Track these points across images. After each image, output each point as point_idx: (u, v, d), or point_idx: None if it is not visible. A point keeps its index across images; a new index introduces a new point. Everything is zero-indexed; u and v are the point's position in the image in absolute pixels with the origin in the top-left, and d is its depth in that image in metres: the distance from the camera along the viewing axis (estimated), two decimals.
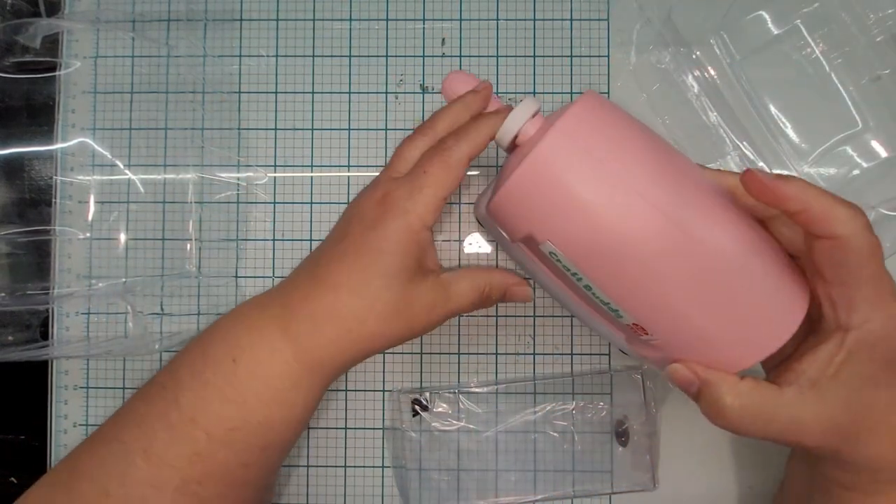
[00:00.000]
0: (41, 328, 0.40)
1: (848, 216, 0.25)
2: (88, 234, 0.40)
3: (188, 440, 0.30)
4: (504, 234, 0.32)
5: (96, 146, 0.40)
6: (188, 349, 0.34)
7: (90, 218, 0.40)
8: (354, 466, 0.40)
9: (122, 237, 0.40)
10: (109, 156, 0.40)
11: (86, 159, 0.40)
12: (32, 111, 0.40)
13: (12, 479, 0.40)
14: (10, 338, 0.38)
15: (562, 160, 0.26)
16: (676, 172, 0.27)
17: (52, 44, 0.40)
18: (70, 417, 0.40)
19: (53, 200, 0.40)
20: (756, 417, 0.27)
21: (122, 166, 0.40)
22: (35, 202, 0.40)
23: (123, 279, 0.40)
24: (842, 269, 0.26)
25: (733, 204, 0.28)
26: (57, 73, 0.40)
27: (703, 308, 0.27)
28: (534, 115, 0.31)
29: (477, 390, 0.40)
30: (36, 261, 0.40)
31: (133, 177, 0.40)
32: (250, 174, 0.41)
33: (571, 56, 0.40)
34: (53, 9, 0.41)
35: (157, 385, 0.33)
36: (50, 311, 0.40)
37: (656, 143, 0.28)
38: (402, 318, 0.32)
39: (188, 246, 0.40)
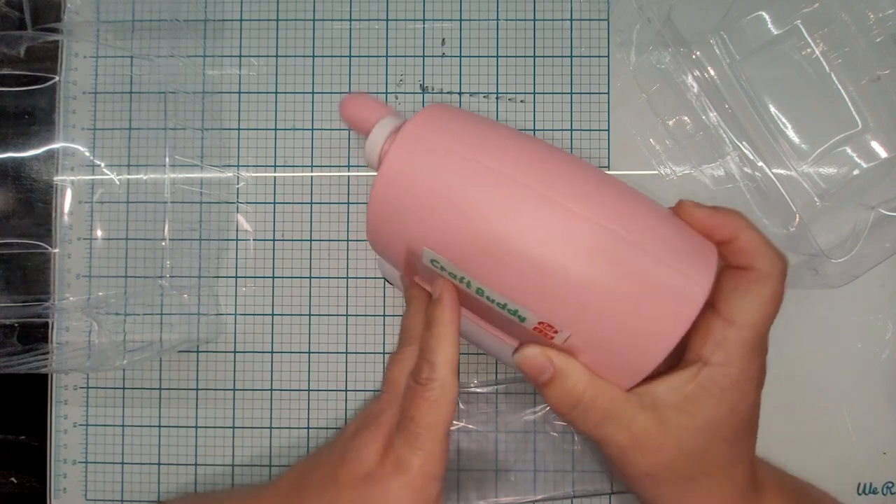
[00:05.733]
0: (19, 337, 0.40)
1: (775, 256, 0.26)
2: (87, 237, 0.40)
3: None
4: (393, 270, 0.31)
5: (94, 149, 0.40)
6: None
7: (86, 221, 0.40)
8: None
9: (98, 235, 0.40)
10: (91, 157, 0.40)
11: (81, 160, 0.40)
12: (25, 117, 0.40)
13: (12, 479, 0.40)
14: None
15: (414, 162, 0.25)
16: (551, 159, 0.26)
17: (52, 48, 0.40)
18: (70, 417, 0.40)
19: (53, 210, 0.40)
20: (600, 411, 0.26)
21: (117, 170, 0.40)
22: (28, 208, 0.40)
23: (124, 279, 0.40)
24: (737, 304, 0.25)
25: (629, 194, 0.27)
26: (55, 80, 0.40)
27: (607, 289, 0.24)
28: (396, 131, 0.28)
29: (477, 390, 0.40)
30: (22, 271, 0.40)
31: (116, 177, 0.40)
32: (248, 174, 0.41)
33: (571, 56, 0.40)
34: (53, 10, 0.41)
35: None
36: (50, 322, 0.40)
37: (519, 135, 0.27)
38: None
39: (169, 246, 0.40)
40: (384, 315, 0.40)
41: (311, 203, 0.40)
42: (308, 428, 0.40)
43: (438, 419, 0.27)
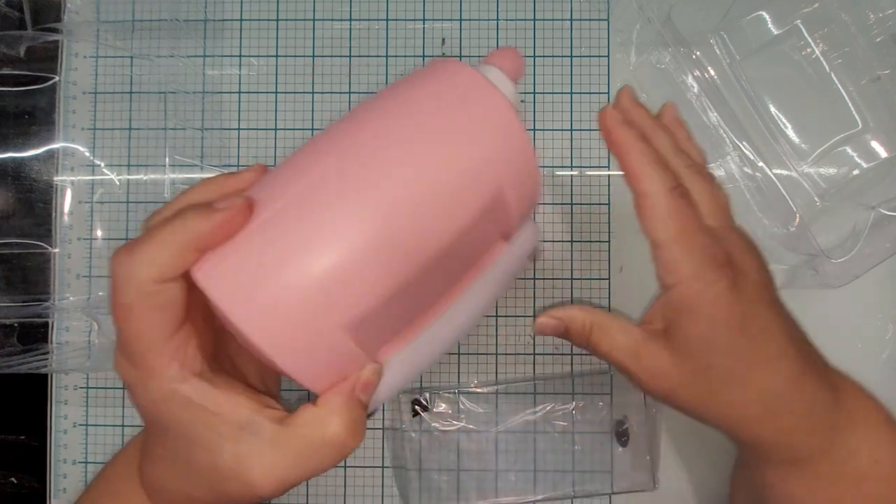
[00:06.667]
0: (19, 337, 0.40)
1: (655, 177, 0.26)
2: (87, 237, 0.40)
3: None
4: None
5: (94, 149, 0.40)
6: (100, 474, 0.32)
7: (86, 221, 0.40)
8: (354, 466, 0.40)
9: (99, 235, 0.40)
10: (91, 157, 0.40)
11: (81, 160, 0.40)
12: (25, 117, 0.40)
13: (12, 479, 0.40)
14: None
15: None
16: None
17: (52, 48, 0.40)
18: (70, 417, 0.40)
19: (53, 210, 0.40)
20: (611, 351, 0.27)
21: (117, 170, 0.40)
22: (28, 208, 0.40)
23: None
24: (652, 230, 0.26)
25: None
26: (55, 80, 0.40)
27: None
28: None
29: (477, 390, 0.40)
30: (22, 271, 0.40)
31: (116, 177, 0.40)
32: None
33: (571, 56, 0.40)
34: (53, 10, 0.41)
35: None
36: (50, 322, 0.40)
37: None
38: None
39: None
40: None
41: None
42: None
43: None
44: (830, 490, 0.27)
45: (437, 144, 0.25)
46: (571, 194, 0.40)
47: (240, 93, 0.41)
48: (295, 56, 0.41)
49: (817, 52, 0.38)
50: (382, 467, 0.40)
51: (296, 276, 0.23)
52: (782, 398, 0.27)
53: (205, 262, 0.23)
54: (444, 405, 0.39)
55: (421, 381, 0.40)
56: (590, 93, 0.40)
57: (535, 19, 0.41)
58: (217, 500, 0.25)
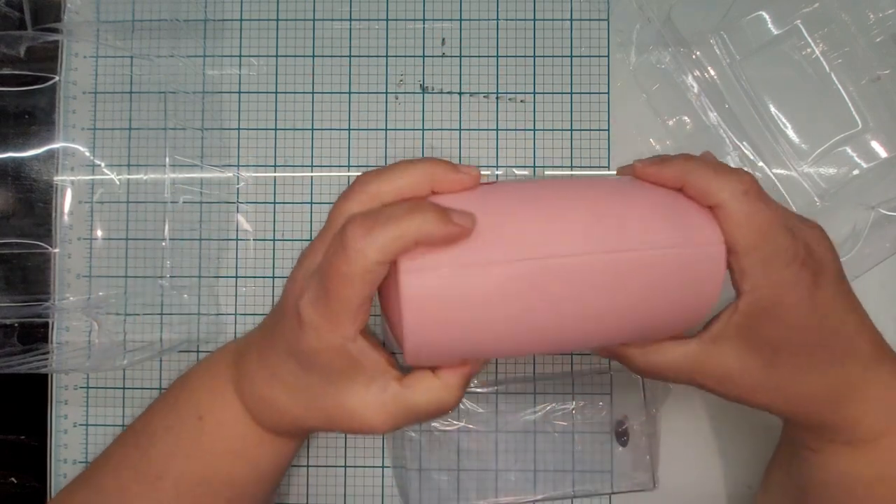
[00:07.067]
0: (19, 337, 0.39)
1: (724, 184, 0.26)
2: (87, 237, 0.40)
3: (156, 492, 0.31)
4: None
5: (94, 149, 0.40)
6: (165, 396, 0.34)
7: (86, 221, 0.40)
8: (354, 466, 0.40)
9: (99, 235, 0.40)
10: (91, 157, 0.40)
11: (81, 160, 0.40)
12: (25, 117, 0.40)
13: (12, 479, 0.40)
14: None
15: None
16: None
17: (52, 48, 0.40)
18: (70, 417, 0.40)
19: (53, 210, 0.40)
20: (667, 368, 0.29)
21: (117, 170, 0.40)
22: (28, 208, 0.40)
23: (124, 279, 0.40)
24: (728, 236, 0.26)
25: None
26: (55, 80, 0.40)
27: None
28: None
29: (477, 390, 0.40)
30: (22, 271, 0.40)
31: (116, 177, 0.40)
32: (251, 174, 0.41)
33: (571, 56, 0.40)
34: (53, 10, 0.41)
35: (134, 432, 0.34)
36: (50, 322, 0.40)
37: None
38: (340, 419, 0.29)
39: (169, 246, 0.40)
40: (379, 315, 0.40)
41: (311, 203, 0.40)
42: None
43: (341, 285, 0.26)
44: (889, 468, 0.28)
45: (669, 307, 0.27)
46: None
47: (240, 93, 0.41)
48: (295, 56, 0.41)
49: (817, 52, 0.38)
50: (382, 467, 0.40)
51: (472, 328, 0.26)
52: (856, 386, 0.27)
53: (414, 261, 0.25)
54: None
55: None
56: (590, 93, 0.40)
57: (535, 19, 0.41)
58: (324, 425, 0.30)
